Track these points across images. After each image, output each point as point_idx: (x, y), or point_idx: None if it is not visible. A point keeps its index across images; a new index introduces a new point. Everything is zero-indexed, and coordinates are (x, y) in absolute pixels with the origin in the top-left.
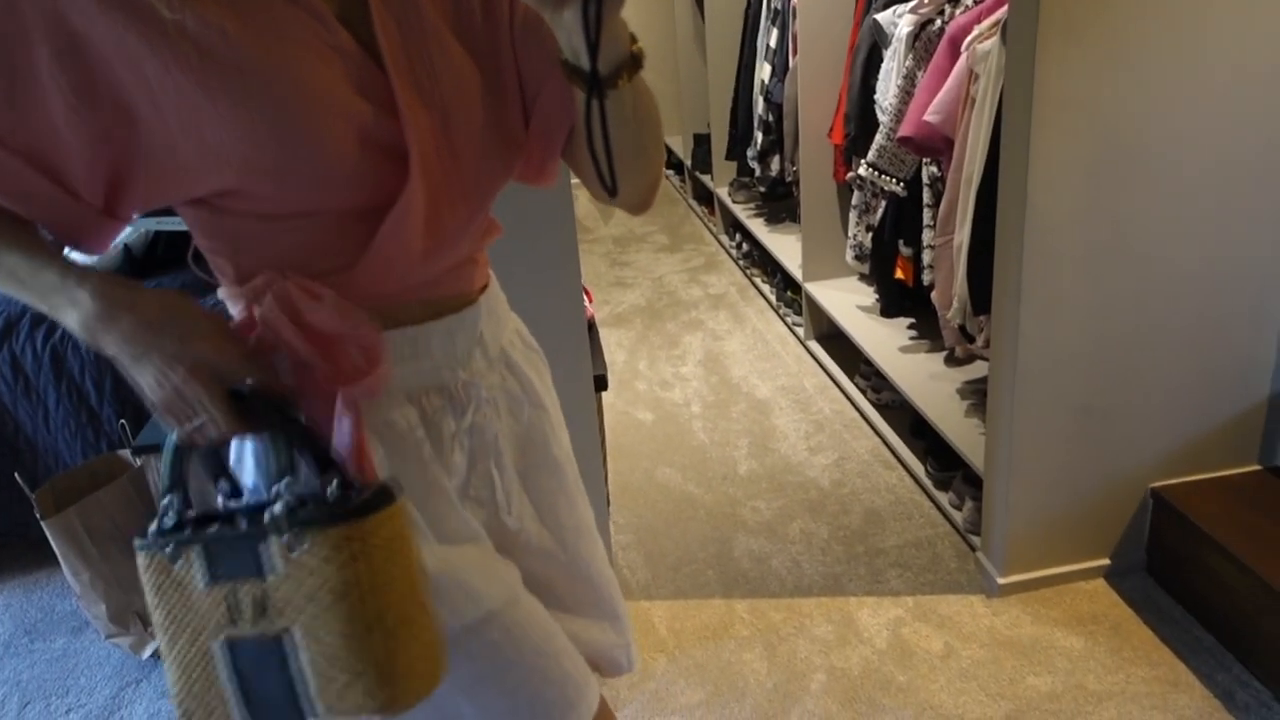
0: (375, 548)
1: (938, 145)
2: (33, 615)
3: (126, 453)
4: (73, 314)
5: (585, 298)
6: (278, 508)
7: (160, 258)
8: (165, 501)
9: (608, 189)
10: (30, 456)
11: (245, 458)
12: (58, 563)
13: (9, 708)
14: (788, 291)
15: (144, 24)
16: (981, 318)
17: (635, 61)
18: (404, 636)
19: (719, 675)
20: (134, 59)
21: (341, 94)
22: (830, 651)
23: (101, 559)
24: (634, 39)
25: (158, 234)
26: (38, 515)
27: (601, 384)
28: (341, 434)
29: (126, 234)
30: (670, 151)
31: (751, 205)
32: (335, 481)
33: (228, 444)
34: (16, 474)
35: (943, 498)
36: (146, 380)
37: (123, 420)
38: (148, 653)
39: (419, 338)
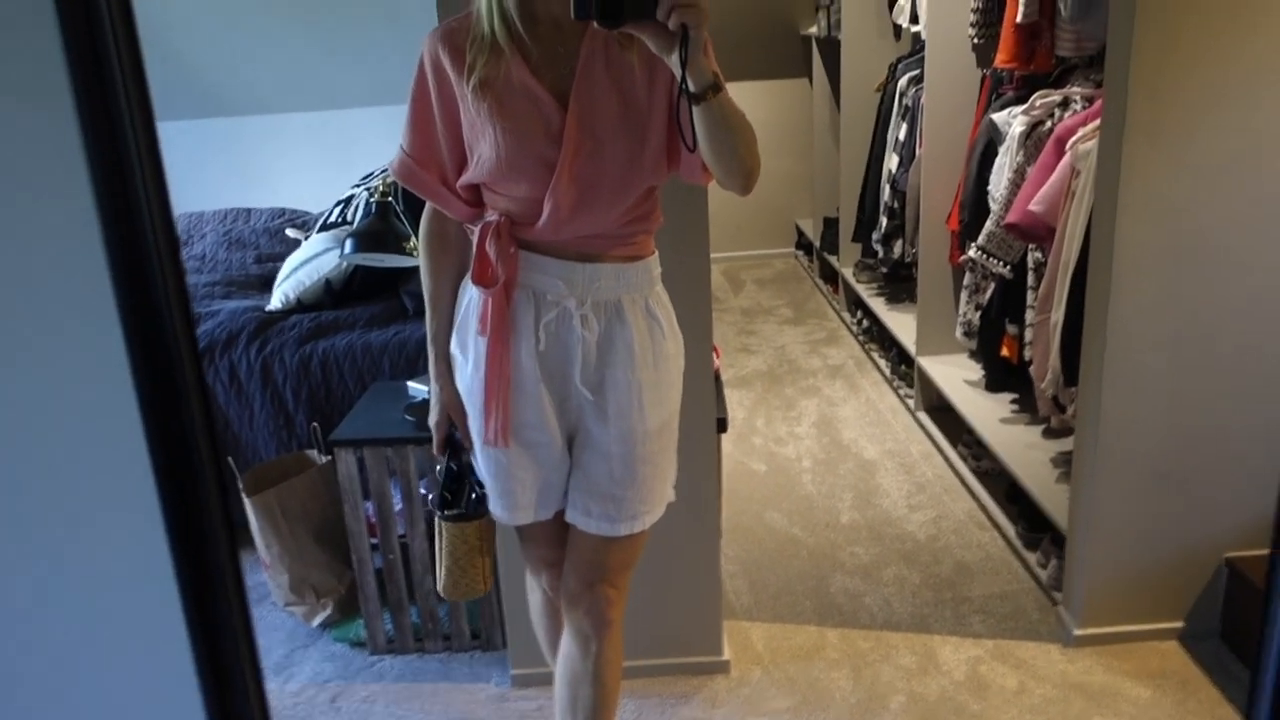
0: (454, 533)
1: (1040, 233)
2: None
3: (313, 452)
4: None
5: (714, 353)
6: (431, 500)
7: (355, 291)
8: (439, 489)
9: (689, 147)
10: (234, 449)
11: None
12: (244, 545)
13: None
14: (902, 365)
15: (463, 94)
16: (1072, 389)
17: (717, 86)
18: (457, 572)
19: (807, 688)
20: (462, 106)
21: (537, 140)
22: (911, 678)
23: (290, 535)
24: (717, 75)
25: (355, 269)
26: (242, 493)
27: (722, 426)
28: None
29: (330, 268)
30: (801, 233)
31: (874, 285)
32: (468, 494)
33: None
34: (230, 459)
35: (1031, 557)
36: None
37: (314, 424)
38: (316, 621)
39: (560, 266)
